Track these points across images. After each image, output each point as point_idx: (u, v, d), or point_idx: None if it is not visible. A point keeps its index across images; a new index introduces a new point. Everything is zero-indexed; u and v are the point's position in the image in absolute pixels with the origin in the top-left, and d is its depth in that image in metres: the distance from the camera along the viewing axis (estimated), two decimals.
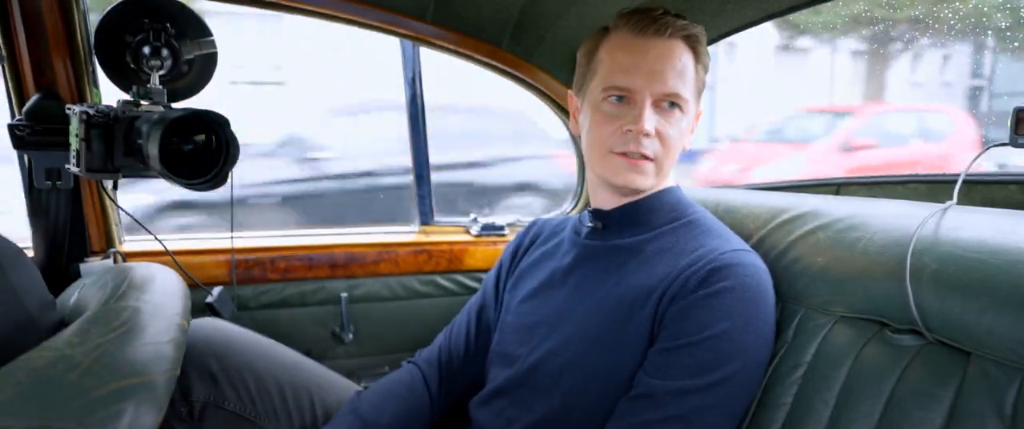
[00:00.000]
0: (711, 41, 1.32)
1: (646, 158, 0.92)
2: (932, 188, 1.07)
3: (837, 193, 1.22)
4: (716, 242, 0.91)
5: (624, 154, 0.92)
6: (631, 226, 0.97)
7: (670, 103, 0.91)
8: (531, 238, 1.15)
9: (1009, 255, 0.68)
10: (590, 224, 1.02)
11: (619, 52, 0.92)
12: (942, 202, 0.83)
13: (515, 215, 1.76)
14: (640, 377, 0.85)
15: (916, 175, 1.10)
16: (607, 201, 0.99)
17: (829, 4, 1.15)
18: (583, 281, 0.97)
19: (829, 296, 0.86)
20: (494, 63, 1.49)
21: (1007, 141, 0.85)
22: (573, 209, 1.73)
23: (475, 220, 1.70)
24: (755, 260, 0.90)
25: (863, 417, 0.74)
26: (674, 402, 0.81)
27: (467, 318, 1.16)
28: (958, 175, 0.88)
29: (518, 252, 1.15)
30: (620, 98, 0.92)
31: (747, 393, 0.85)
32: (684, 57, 0.92)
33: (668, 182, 0.99)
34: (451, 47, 1.43)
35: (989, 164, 1.08)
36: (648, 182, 0.94)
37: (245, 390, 1.01)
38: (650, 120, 0.90)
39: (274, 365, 1.05)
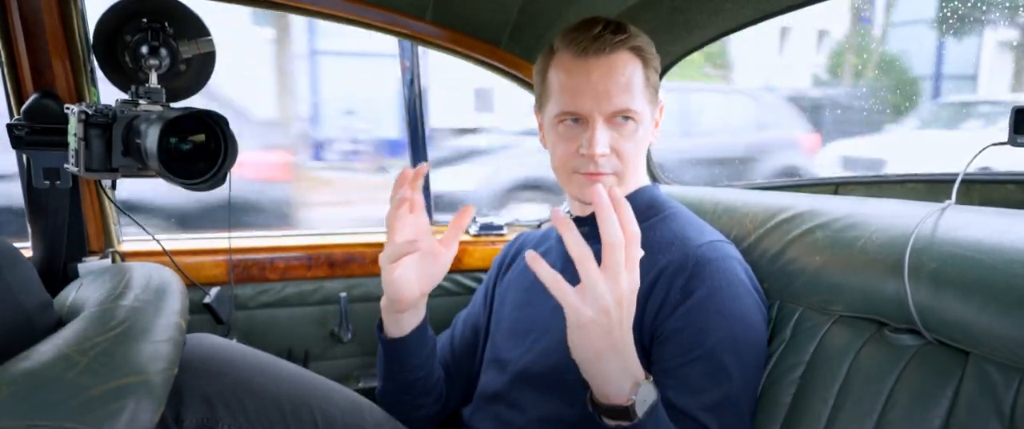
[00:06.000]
0: (709, 41, 1.32)
1: (605, 174, 0.93)
2: (931, 187, 1.07)
3: (835, 192, 1.22)
4: (690, 232, 0.93)
5: (586, 173, 0.93)
6: None
7: (623, 117, 0.92)
8: (515, 251, 1.18)
9: (1007, 254, 0.68)
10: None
11: (565, 75, 0.92)
12: (941, 201, 0.83)
13: (515, 215, 1.76)
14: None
15: (915, 174, 1.10)
16: (583, 209, 1.01)
17: None
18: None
19: (827, 295, 0.86)
20: (493, 62, 1.48)
21: (1006, 140, 0.86)
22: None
23: (474, 220, 1.70)
24: (729, 251, 0.91)
25: (862, 416, 0.74)
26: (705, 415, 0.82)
27: (451, 330, 1.19)
28: (957, 174, 0.88)
29: (503, 266, 1.18)
30: (575, 120, 0.93)
31: (755, 386, 0.87)
32: (629, 68, 0.91)
33: (642, 181, 1.01)
34: (450, 46, 1.43)
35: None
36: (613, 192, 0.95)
37: (241, 410, 0.95)
38: (602, 142, 0.90)
39: (272, 380, 1.00)
